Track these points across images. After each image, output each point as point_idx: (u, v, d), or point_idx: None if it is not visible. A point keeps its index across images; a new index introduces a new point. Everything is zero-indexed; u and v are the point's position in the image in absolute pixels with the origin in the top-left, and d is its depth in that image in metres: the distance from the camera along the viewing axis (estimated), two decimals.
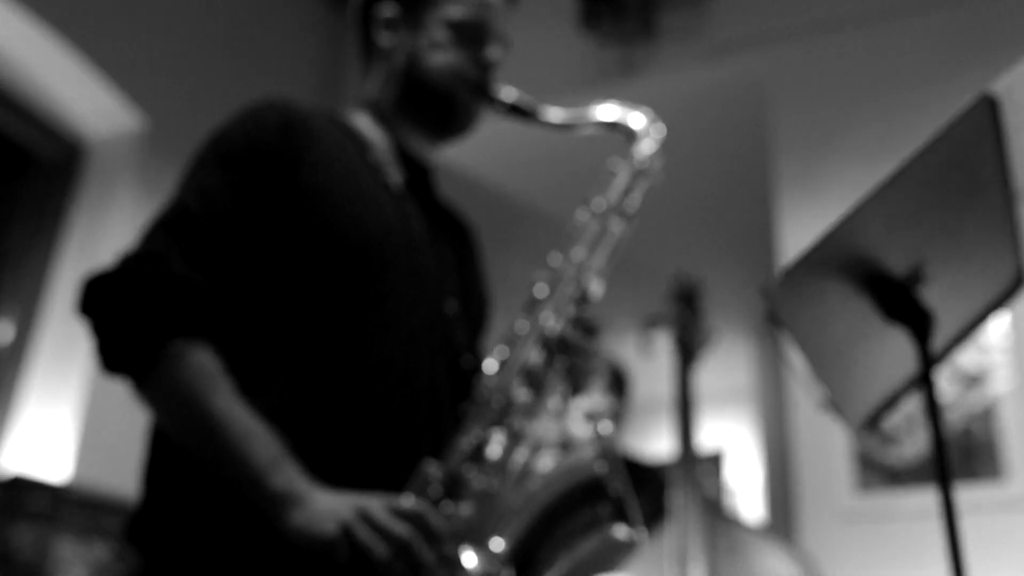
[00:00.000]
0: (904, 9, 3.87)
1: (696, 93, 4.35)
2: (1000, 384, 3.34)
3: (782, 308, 1.18)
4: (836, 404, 1.40)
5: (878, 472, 3.39)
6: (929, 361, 1.29)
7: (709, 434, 5.67)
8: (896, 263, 1.28)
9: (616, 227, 1.51)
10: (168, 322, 1.28)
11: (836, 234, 1.17)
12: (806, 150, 3.89)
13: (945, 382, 3.39)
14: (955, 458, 3.32)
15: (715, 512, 2.80)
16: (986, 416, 3.32)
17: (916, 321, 1.29)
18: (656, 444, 6.47)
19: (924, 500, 3.22)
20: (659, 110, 4.71)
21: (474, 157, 4.60)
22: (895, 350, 1.34)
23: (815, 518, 3.41)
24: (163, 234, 1.34)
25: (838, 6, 4.01)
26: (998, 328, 3.36)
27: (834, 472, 3.41)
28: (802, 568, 2.68)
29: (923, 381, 1.30)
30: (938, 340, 1.41)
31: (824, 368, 1.33)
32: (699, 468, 2.98)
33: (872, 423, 1.49)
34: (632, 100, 4.50)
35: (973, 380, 3.37)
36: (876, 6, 3.92)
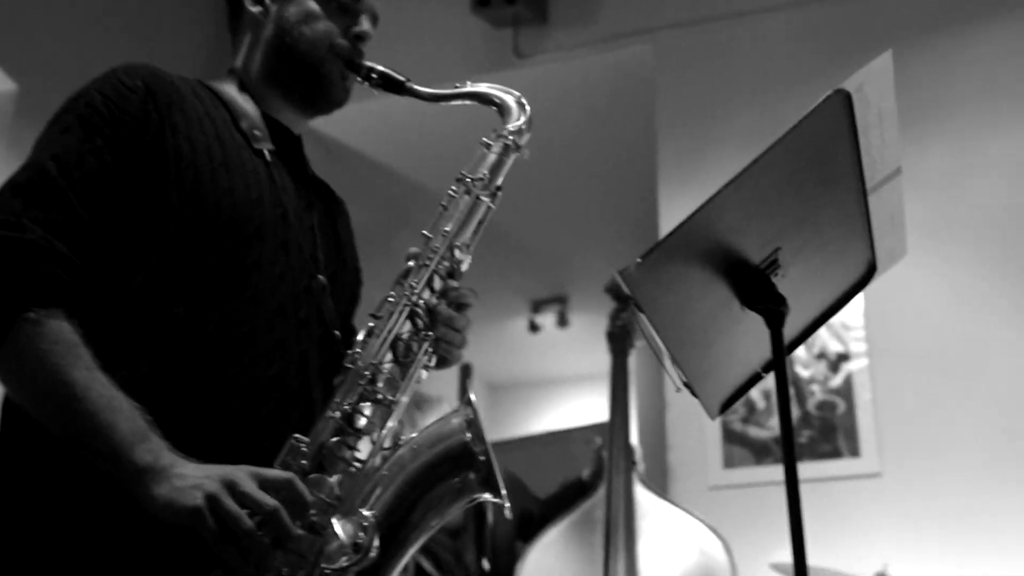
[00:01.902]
0: (788, 3, 3.98)
1: (586, 79, 4.41)
2: (857, 365, 3.50)
3: (640, 292, 1.21)
4: (693, 387, 1.44)
5: (750, 448, 3.52)
6: (781, 347, 1.35)
7: (593, 409, 5.74)
8: (754, 251, 1.33)
9: (485, 201, 1.53)
10: (22, 290, 1.25)
11: (695, 221, 1.21)
12: (690, 138, 3.98)
13: (810, 362, 3.53)
14: (817, 435, 3.46)
15: (641, 482, 2.90)
16: (847, 395, 3.47)
17: (771, 308, 1.34)
18: (545, 419, 6.57)
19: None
20: (549, 94, 4.76)
21: (363, 132, 4.58)
22: (751, 336, 1.39)
23: (686, 492, 3.53)
24: (16, 198, 1.29)
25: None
26: (859, 311, 3.52)
27: (706, 448, 3.54)
28: (719, 540, 2.78)
29: (775, 367, 1.35)
30: (792, 327, 1.46)
31: (682, 352, 1.36)
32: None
33: (727, 407, 1.54)
34: (523, 83, 4.50)
35: (836, 360, 3.51)
36: (757, 0, 4.02)
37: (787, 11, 3.98)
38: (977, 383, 3.42)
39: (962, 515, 3.29)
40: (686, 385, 1.45)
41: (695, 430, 3.58)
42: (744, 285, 1.34)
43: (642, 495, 2.83)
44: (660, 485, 3.75)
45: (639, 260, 1.17)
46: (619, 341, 3.17)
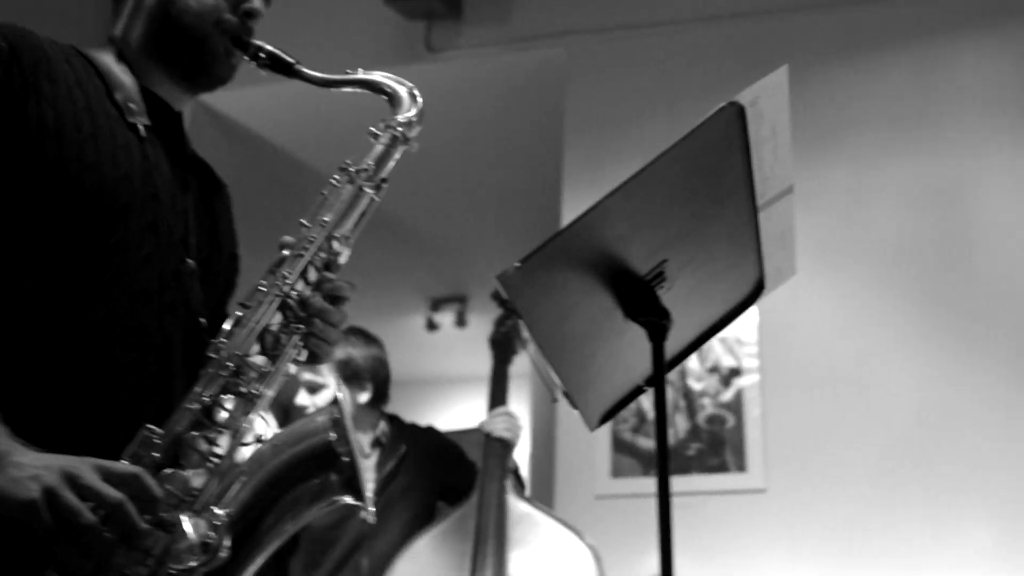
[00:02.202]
0: (700, 18, 3.99)
1: (497, 78, 4.37)
2: (748, 381, 3.52)
3: (519, 298, 1.17)
4: (572, 397, 1.41)
5: (638, 458, 3.52)
6: (662, 361, 1.32)
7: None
8: (639, 261, 1.30)
9: (368, 193, 1.47)
10: None
11: (578, 228, 1.17)
12: (596, 144, 3.97)
13: (702, 376, 3.55)
14: (706, 448, 3.48)
15: (515, 491, 2.85)
16: (737, 410, 3.50)
17: (654, 321, 1.31)
18: (440, 418, 6.52)
19: (677, 484, 3.39)
20: (459, 91, 4.70)
21: (268, 117, 4.47)
22: (634, 348, 1.36)
23: (573, 501, 3.52)
24: None
25: (639, 7, 4.10)
26: (752, 327, 3.55)
27: (594, 457, 3.52)
28: (589, 552, 2.75)
29: (655, 381, 1.32)
30: (675, 341, 1.44)
31: (562, 361, 1.33)
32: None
33: (607, 419, 1.51)
34: (433, 78, 4.44)
35: (728, 375, 3.53)
36: (674, 12, 4.03)
37: (700, 26, 4.00)
38: (864, 404, 3.46)
39: (845, 533, 3.33)
40: (565, 395, 1.41)
41: (584, 438, 3.54)
42: (628, 296, 1.31)
43: (516, 504, 2.78)
44: (548, 493, 3.74)
45: (518, 264, 1.13)
46: (501, 348, 3.12)
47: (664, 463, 1.29)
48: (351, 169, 1.48)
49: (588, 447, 3.54)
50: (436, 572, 2.61)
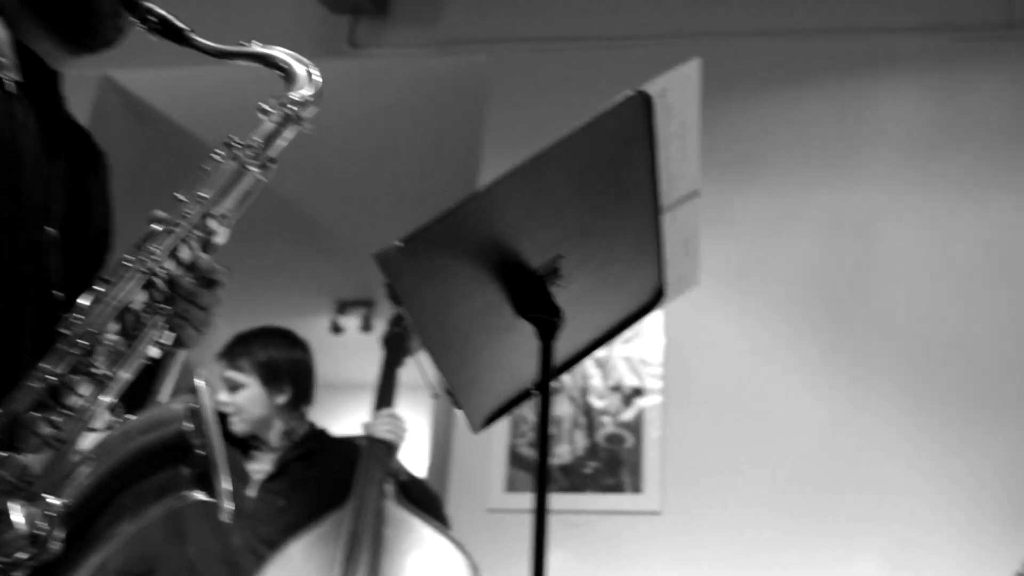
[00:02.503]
0: (625, 36, 3.97)
1: (418, 80, 4.29)
2: (650, 402, 3.48)
3: (400, 281, 1.08)
4: (456, 396, 1.32)
5: (533, 473, 3.45)
6: (550, 361, 1.24)
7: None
8: (533, 254, 1.22)
9: (253, 172, 1.37)
10: None
11: (467, 209, 1.09)
12: (514, 154, 3.85)
13: (605, 393, 3.50)
14: (603, 467, 3.42)
15: (396, 497, 2.74)
16: (637, 430, 3.45)
17: (544, 318, 1.23)
18: (341, 423, 6.36)
19: (572, 502, 3.36)
20: (379, 90, 4.60)
21: (172, 97, 4.32)
22: (523, 348, 1.28)
23: (464, 513, 3.43)
24: None
25: (567, 21, 4.06)
26: (659, 348, 3.51)
27: (489, 470, 3.45)
28: (466, 562, 2.65)
29: (541, 383, 1.25)
30: (568, 345, 1.37)
31: (446, 355, 1.24)
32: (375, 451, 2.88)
33: (491, 422, 1.43)
34: (354, 75, 4.33)
35: (631, 394, 3.48)
36: (601, 28, 4.01)
37: (626, 45, 3.97)
38: (764, 431, 3.45)
39: (738, 560, 3.31)
40: (449, 393, 1.33)
41: (481, 451, 3.48)
42: (519, 290, 1.23)
43: (395, 510, 2.68)
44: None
45: (399, 243, 1.04)
46: (393, 348, 3.04)
47: (543, 470, 1.21)
48: (236, 144, 1.38)
49: (484, 460, 3.47)
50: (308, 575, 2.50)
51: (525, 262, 1.22)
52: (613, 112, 1.12)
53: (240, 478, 2.80)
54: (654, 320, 3.54)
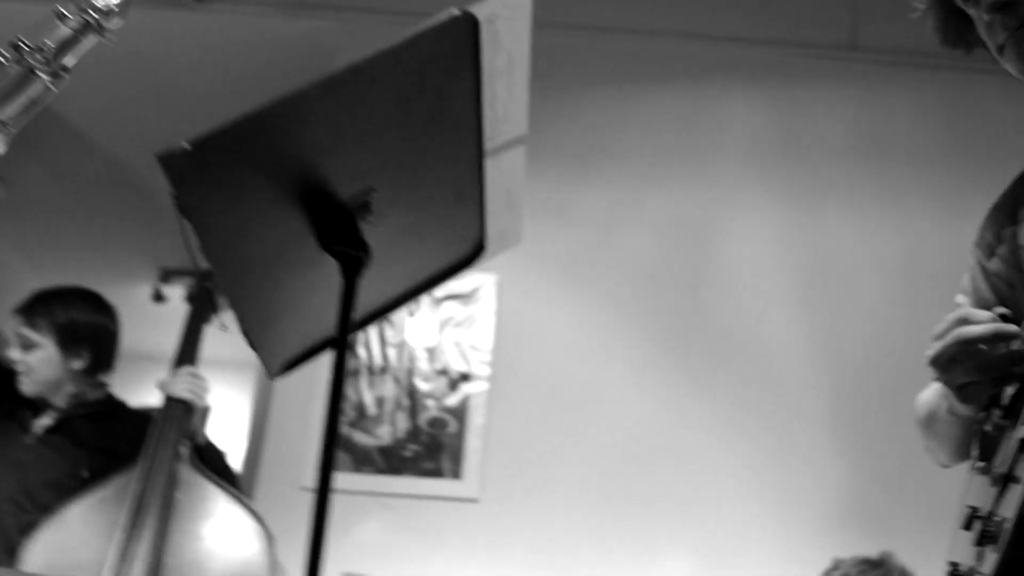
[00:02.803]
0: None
1: (263, 40, 4.13)
2: (477, 388, 3.42)
3: (185, 188, 0.97)
4: (251, 336, 1.22)
5: (352, 453, 3.34)
6: (351, 301, 1.15)
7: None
8: (342, 182, 1.13)
9: (43, 79, 1.23)
10: None
11: (266, 115, 0.99)
12: None
13: (431, 376, 3.43)
14: (423, 451, 3.35)
15: (191, 460, 2.57)
16: (461, 416, 3.39)
17: (349, 253, 1.15)
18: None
19: (390, 484, 3.28)
20: (222, 47, 4.39)
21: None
22: (327, 289, 1.19)
23: (276, 489, 3.31)
24: None
25: None
26: (489, 333, 3.46)
27: (305, 447, 3.32)
28: (260, 532, 2.51)
29: (340, 326, 1.16)
30: (374, 293, 1.29)
31: (239, 284, 1.14)
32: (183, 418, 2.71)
33: (291, 368, 1.33)
34: (198, 29, 4.12)
35: (458, 379, 3.42)
36: (445, 3, 3.93)
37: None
38: (589, 426, 3.43)
39: (551, 553, 3.28)
40: (245, 333, 1.22)
41: (298, 427, 3.35)
42: (324, 221, 1.14)
43: (188, 474, 2.53)
44: (251, 478, 3.50)
45: (186, 144, 0.94)
46: (198, 303, 2.91)
47: (331, 440, 1.12)
48: (25, 47, 1.24)
49: (301, 436, 3.34)
50: (84, 543, 2.32)
51: (333, 190, 1.13)
52: (436, 32, 1.04)
53: (22, 427, 2.64)
54: (486, 306, 3.49)
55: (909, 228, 3.62)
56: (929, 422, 1.52)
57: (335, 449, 1.15)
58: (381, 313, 1.37)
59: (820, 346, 3.52)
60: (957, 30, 1.47)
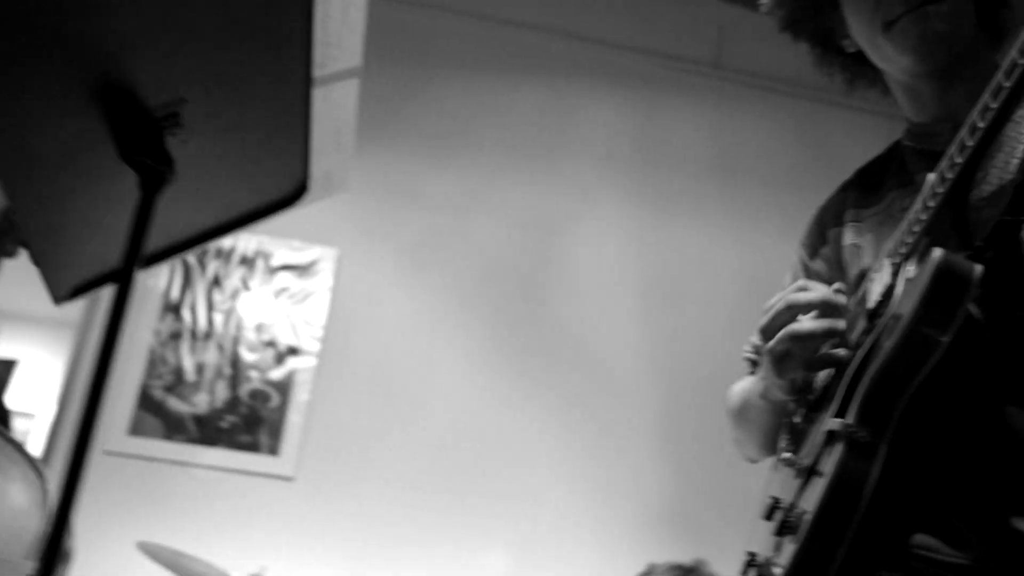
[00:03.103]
0: None
1: None
2: (304, 364, 3.31)
3: None
4: (34, 249, 1.10)
5: (165, 420, 3.18)
6: (148, 221, 1.05)
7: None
8: (148, 87, 1.03)
9: None
10: None
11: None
12: None
13: (257, 347, 3.30)
14: (241, 423, 3.22)
15: None
16: (285, 390, 3.27)
17: (150, 164, 1.05)
18: None
19: (200, 455, 3.14)
20: None
21: None
22: (126, 205, 1.09)
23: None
24: None
25: None
26: (323, 309, 3.35)
27: (113, 409, 3.15)
28: (40, 496, 2.32)
29: (132, 242, 1.05)
30: (179, 226, 1.19)
31: (21, 186, 1.03)
32: None
33: (80, 294, 1.22)
34: None
35: (285, 352, 3.30)
36: None
37: None
38: (416, 414, 3.37)
39: (364, 540, 3.19)
40: (24, 245, 1.11)
41: (110, 387, 3.17)
42: (125, 125, 1.03)
43: None
44: (55, 437, 3.30)
45: None
46: None
47: (95, 399, 1.01)
48: None
49: (109, 398, 3.17)
50: None
51: (138, 93, 1.02)
52: None
53: None
54: (323, 280, 3.38)
55: (753, 246, 3.69)
56: (742, 410, 1.51)
57: (101, 401, 1.03)
58: (184, 246, 1.27)
59: (656, 353, 3.55)
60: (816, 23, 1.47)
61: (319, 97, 1.17)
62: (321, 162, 1.28)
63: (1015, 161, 1.21)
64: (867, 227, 1.41)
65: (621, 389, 3.52)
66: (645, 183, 3.75)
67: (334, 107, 1.20)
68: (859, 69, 1.49)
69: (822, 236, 1.51)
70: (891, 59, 1.34)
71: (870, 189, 1.46)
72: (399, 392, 3.36)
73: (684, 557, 2.80)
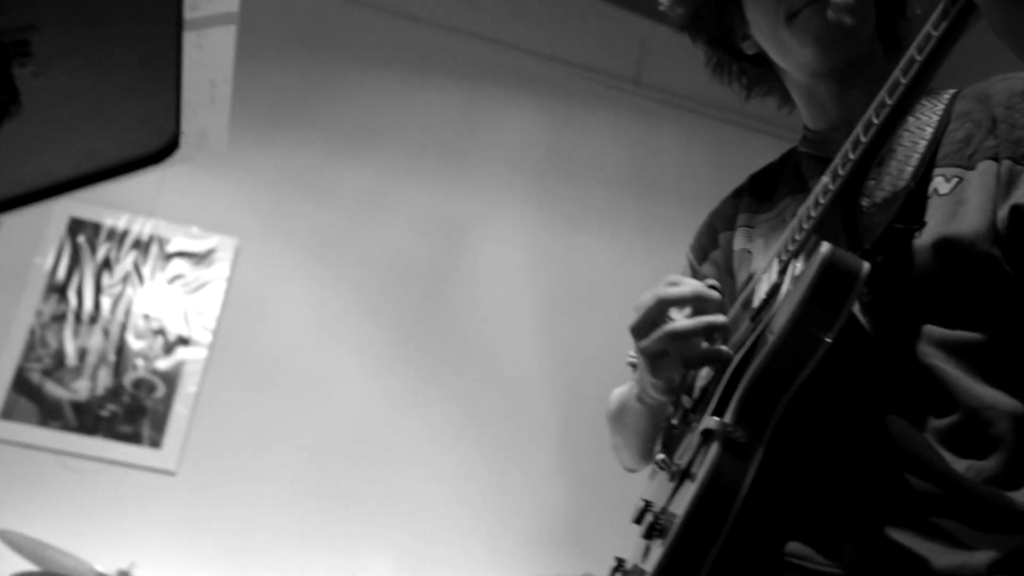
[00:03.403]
0: None
1: None
2: (194, 355, 3.19)
3: None
4: None
5: (40, 405, 3.04)
6: None
7: None
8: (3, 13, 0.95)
9: None
10: None
11: None
12: None
13: (145, 334, 3.17)
14: (122, 413, 3.08)
15: None
16: (172, 381, 3.15)
17: None
18: None
19: (77, 444, 3.00)
20: None
21: None
22: None
23: None
24: None
25: None
26: (218, 299, 3.24)
27: None
28: None
29: None
30: (31, 169, 1.10)
31: None
32: None
33: None
34: None
35: (175, 342, 3.18)
36: None
37: None
38: (307, 412, 3.27)
39: (245, 542, 3.08)
40: None
41: None
42: None
43: None
44: None
45: None
46: None
47: None
48: None
49: None
50: None
51: None
52: None
53: None
54: (220, 270, 3.27)
55: (663, 263, 3.64)
56: (618, 415, 1.47)
57: None
58: (40, 196, 1.18)
59: (559, 365, 3.50)
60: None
61: (191, 42, 1.09)
62: (194, 117, 1.20)
63: (909, 169, 1.19)
64: (758, 232, 1.38)
65: (521, 402, 3.46)
66: (557, 193, 3.72)
67: (208, 56, 1.12)
68: (758, 74, 1.47)
69: (713, 240, 1.48)
70: (793, 52, 1.31)
71: (764, 195, 1.44)
72: (291, 390, 3.26)
73: (574, 573, 2.76)
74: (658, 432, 1.34)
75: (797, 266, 1.12)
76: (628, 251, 3.68)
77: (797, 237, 1.15)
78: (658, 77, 3.87)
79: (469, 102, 3.73)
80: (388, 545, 3.17)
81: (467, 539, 3.24)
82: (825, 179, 1.13)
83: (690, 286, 1.21)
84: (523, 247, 3.63)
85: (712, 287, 1.24)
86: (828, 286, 1.03)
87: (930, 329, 1.10)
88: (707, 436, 1.10)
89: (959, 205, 1.13)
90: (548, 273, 3.62)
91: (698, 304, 1.20)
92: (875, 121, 1.07)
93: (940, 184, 1.17)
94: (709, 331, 1.17)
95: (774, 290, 1.16)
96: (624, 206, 3.73)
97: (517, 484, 3.36)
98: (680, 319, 1.22)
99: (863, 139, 1.08)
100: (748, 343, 1.12)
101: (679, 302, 1.21)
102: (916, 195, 1.16)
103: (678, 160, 3.85)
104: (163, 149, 1.23)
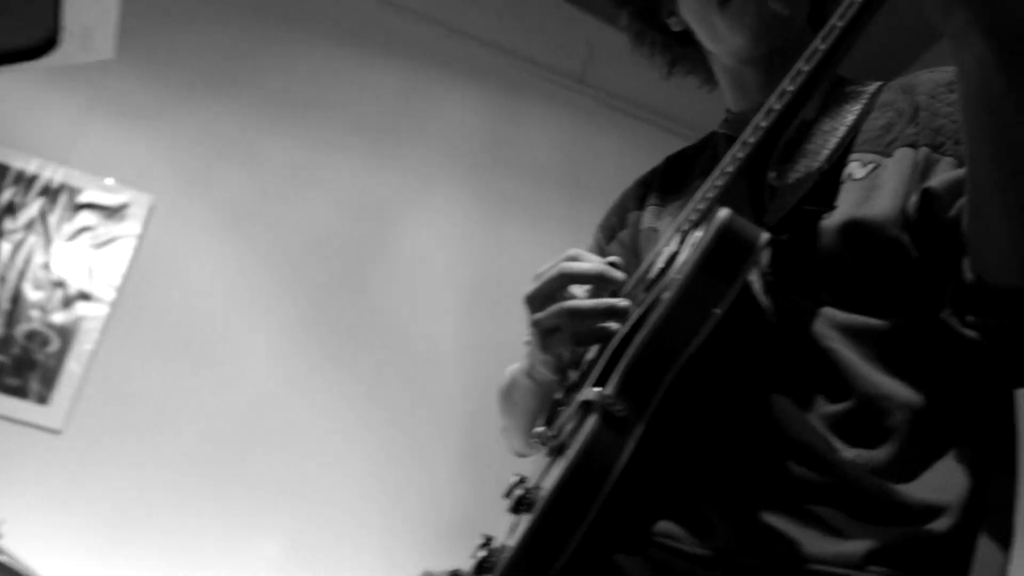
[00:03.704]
0: None
1: None
2: (94, 311, 3.07)
3: None
4: None
5: None
6: None
7: None
8: None
9: None
10: None
11: None
12: None
13: (43, 285, 3.03)
14: (11, 364, 2.94)
15: None
16: (68, 337, 3.01)
17: None
18: None
19: None
20: None
21: None
22: None
23: None
24: None
25: None
26: (125, 257, 3.12)
27: None
28: None
29: None
30: None
31: None
32: None
33: None
34: None
35: (75, 296, 3.05)
36: None
37: None
38: (208, 383, 3.16)
39: (130, 514, 2.96)
40: None
41: None
42: None
43: None
44: None
45: None
46: None
47: None
48: None
49: None
50: None
51: None
52: None
53: None
54: (131, 227, 3.15)
55: None
56: (508, 392, 1.41)
57: None
58: None
59: (473, 358, 3.43)
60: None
61: None
62: (78, 14, 1.11)
63: (825, 152, 1.14)
64: (668, 212, 1.34)
65: (432, 393, 3.38)
66: (489, 184, 3.65)
67: None
68: (681, 51, 1.42)
69: (622, 220, 1.44)
70: (723, 39, 1.27)
71: (678, 176, 1.40)
72: (194, 358, 3.14)
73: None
74: (545, 411, 1.28)
75: (696, 235, 1.06)
76: (554, 248, 3.57)
77: (700, 207, 1.09)
78: (602, 78, 3.82)
79: (409, 84, 3.65)
80: (279, 529, 3.07)
81: (359, 526, 3.15)
82: (733, 149, 1.07)
83: (593, 264, 1.16)
84: (449, 235, 3.55)
85: (614, 264, 1.18)
86: (722, 253, 0.97)
87: (832, 312, 1.06)
88: (586, 408, 1.03)
89: (872, 190, 1.09)
90: (472, 263, 3.55)
91: (600, 284, 1.14)
92: (789, 88, 1.02)
93: (855, 169, 1.12)
94: (608, 315, 1.11)
95: (671, 260, 1.10)
96: (555, 203, 3.67)
97: (419, 477, 3.27)
98: (580, 297, 1.16)
99: (776, 107, 1.03)
100: (637, 314, 1.06)
101: (581, 279, 1.15)
102: (829, 178, 1.12)
103: (613, 162, 3.79)
104: (39, 45, 1.14)
